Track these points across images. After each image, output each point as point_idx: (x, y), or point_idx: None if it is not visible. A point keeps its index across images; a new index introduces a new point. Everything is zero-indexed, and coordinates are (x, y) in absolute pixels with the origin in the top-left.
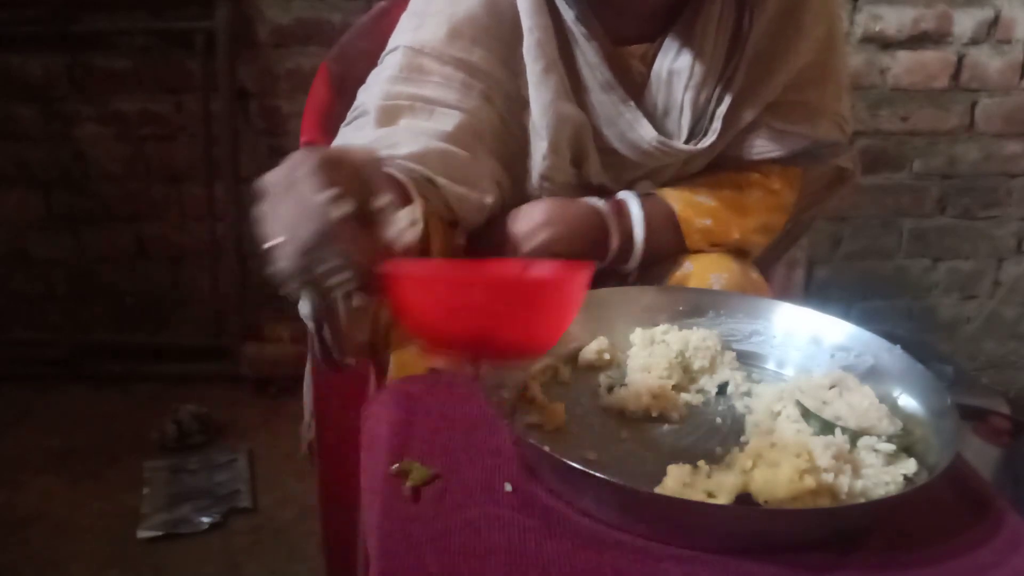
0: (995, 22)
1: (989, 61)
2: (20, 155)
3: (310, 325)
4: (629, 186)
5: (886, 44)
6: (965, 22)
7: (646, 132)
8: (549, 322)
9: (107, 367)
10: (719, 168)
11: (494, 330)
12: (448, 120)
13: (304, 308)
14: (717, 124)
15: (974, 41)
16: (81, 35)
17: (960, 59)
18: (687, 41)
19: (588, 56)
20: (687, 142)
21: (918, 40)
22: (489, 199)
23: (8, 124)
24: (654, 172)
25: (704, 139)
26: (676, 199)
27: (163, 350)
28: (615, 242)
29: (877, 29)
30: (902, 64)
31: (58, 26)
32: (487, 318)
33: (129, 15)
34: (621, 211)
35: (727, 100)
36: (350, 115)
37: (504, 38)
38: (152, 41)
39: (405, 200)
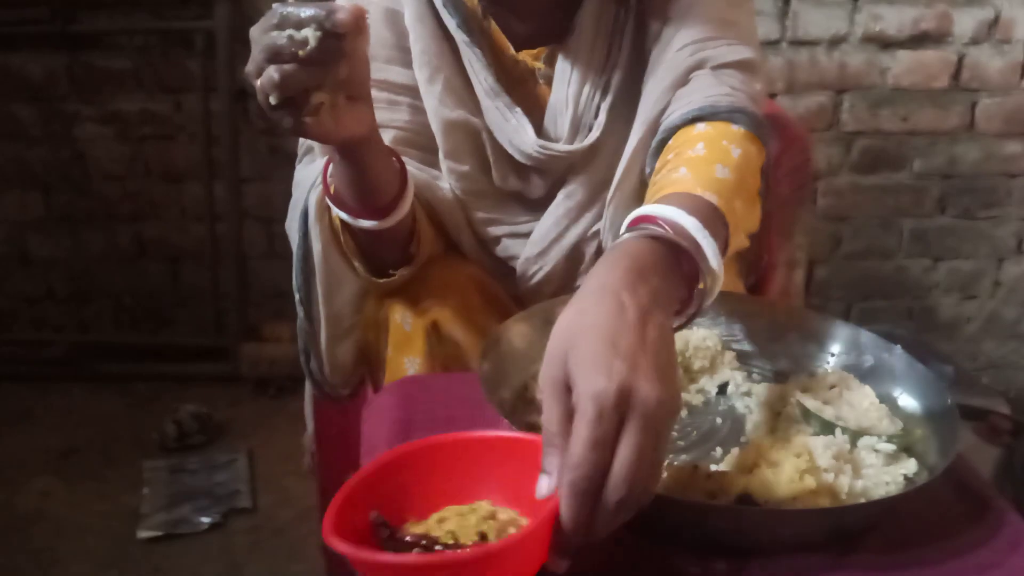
0: (995, 22)
1: (989, 61)
2: (20, 155)
3: (302, 359)
4: (544, 191)
5: (886, 44)
6: (965, 22)
7: (528, 136)
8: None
9: (107, 367)
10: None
11: None
12: (385, 136)
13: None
14: (602, 118)
15: (974, 41)
16: (81, 35)
17: (960, 59)
18: (572, 39)
19: (473, 63)
20: (572, 142)
21: (918, 40)
22: (440, 183)
23: (8, 124)
24: (564, 175)
25: (589, 136)
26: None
27: (163, 350)
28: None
29: (877, 29)
30: (902, 64)
31: (58, 26)
32: None
33: (129, 15)
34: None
35: (612, 91)
36: (300, 152)
37: (409, 50)
38: (152, 41)
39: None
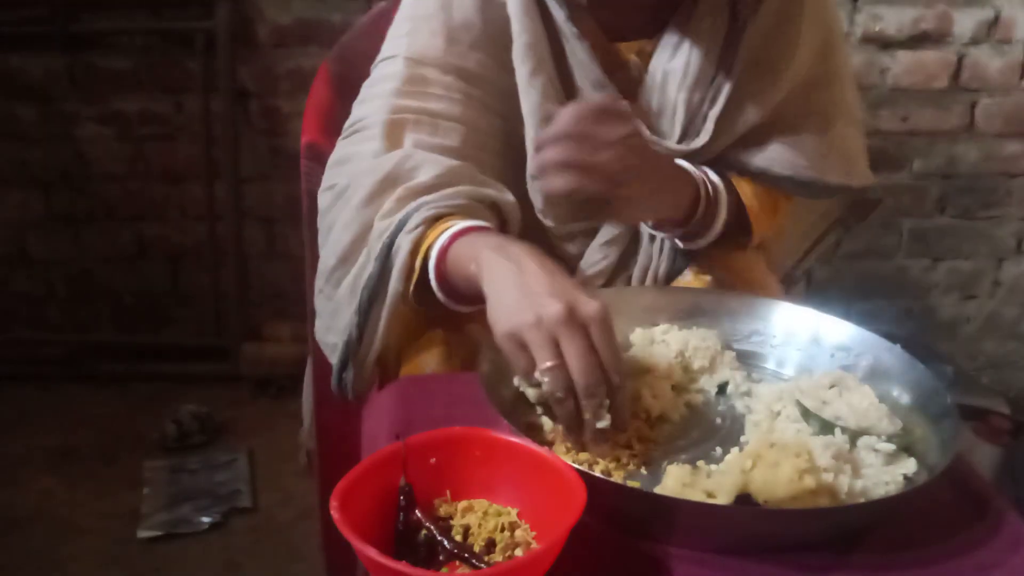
0: (995, 22)
1: (989, 61)
2: (20, 155)
3: (334, 361)
4: None
5: (886, 44)
6: (965, 22)
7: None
8: None
9: (107, 367)
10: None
11: None
12: (454, 135)
13: (328, 336)
14: (710, 125)
15: (974, 41)
16: (81, 35)
17: (960, 59)
18: (681, 40)
19: (579, 55)
20: (680, 142)
21: (918, 40)
22: (511, 197)
23: (8, 124)
24: None
25: (696, 139)
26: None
27: (163, 350)
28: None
29: (877, 29)
30: (902, 64)
31: (58, 26)
32: None
33: (129, 15)
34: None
35: (720, 101)
36: (348, 128)
37: (500, 40)
38: (152, 41)
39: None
